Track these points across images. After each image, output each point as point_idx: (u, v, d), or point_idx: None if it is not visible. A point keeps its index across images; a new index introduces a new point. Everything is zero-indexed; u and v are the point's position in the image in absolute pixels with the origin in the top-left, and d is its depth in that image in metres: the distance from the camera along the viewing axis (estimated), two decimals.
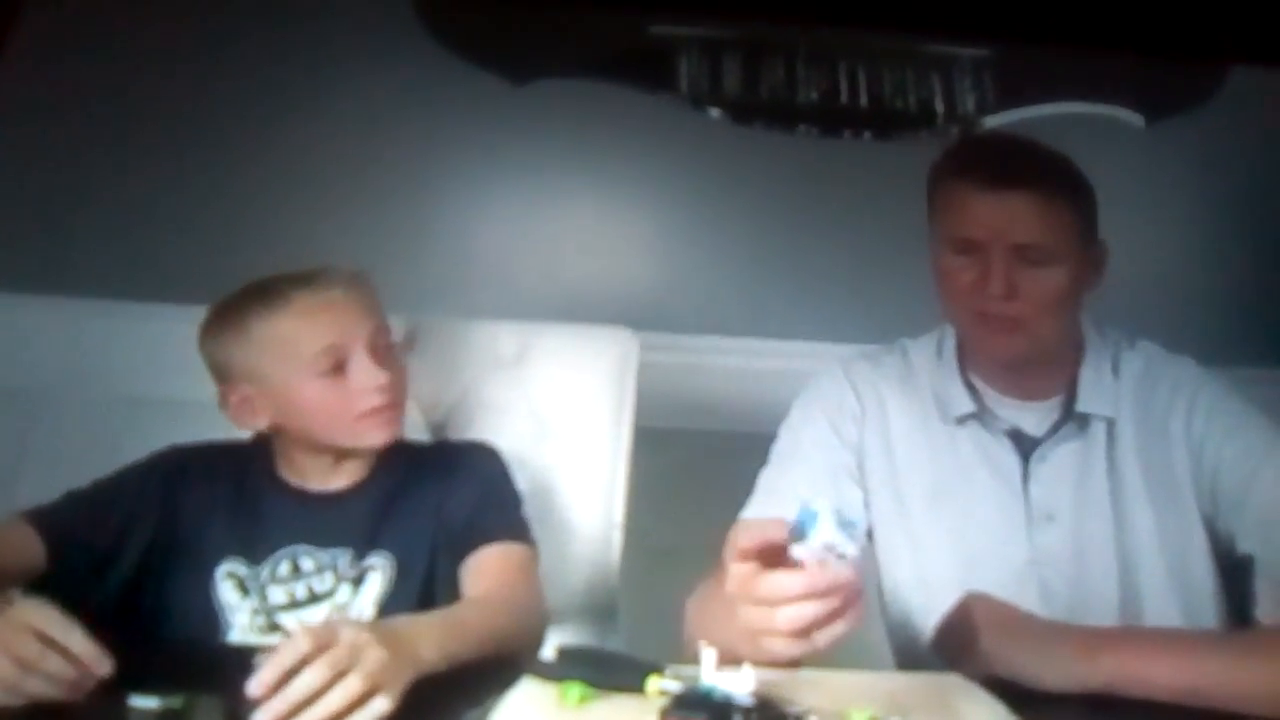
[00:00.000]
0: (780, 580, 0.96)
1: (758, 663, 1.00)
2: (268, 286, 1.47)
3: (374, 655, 1.06)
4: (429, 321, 1.79)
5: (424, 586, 1.47)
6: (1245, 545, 1.38)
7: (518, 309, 1.99)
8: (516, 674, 1.11)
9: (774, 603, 0.96)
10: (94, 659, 1.11)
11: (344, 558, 1.47)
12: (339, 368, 1.45)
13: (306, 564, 1.47)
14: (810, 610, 0.96)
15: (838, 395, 1.53)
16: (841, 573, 0.96)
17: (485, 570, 1.44)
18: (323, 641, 1.05)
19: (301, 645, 1.04)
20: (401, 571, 1.47)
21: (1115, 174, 2.20)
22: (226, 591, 1.46)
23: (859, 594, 0.98)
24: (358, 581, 1.47)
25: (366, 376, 1.45)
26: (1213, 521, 1.41)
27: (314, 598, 1.45)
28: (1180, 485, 1.42)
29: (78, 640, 1.11)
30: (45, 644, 1.10)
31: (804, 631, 0.97)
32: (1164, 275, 2.26)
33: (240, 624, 1.45)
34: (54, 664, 1.09)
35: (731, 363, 2.25)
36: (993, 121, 2.26)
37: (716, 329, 2.26)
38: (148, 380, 2.18)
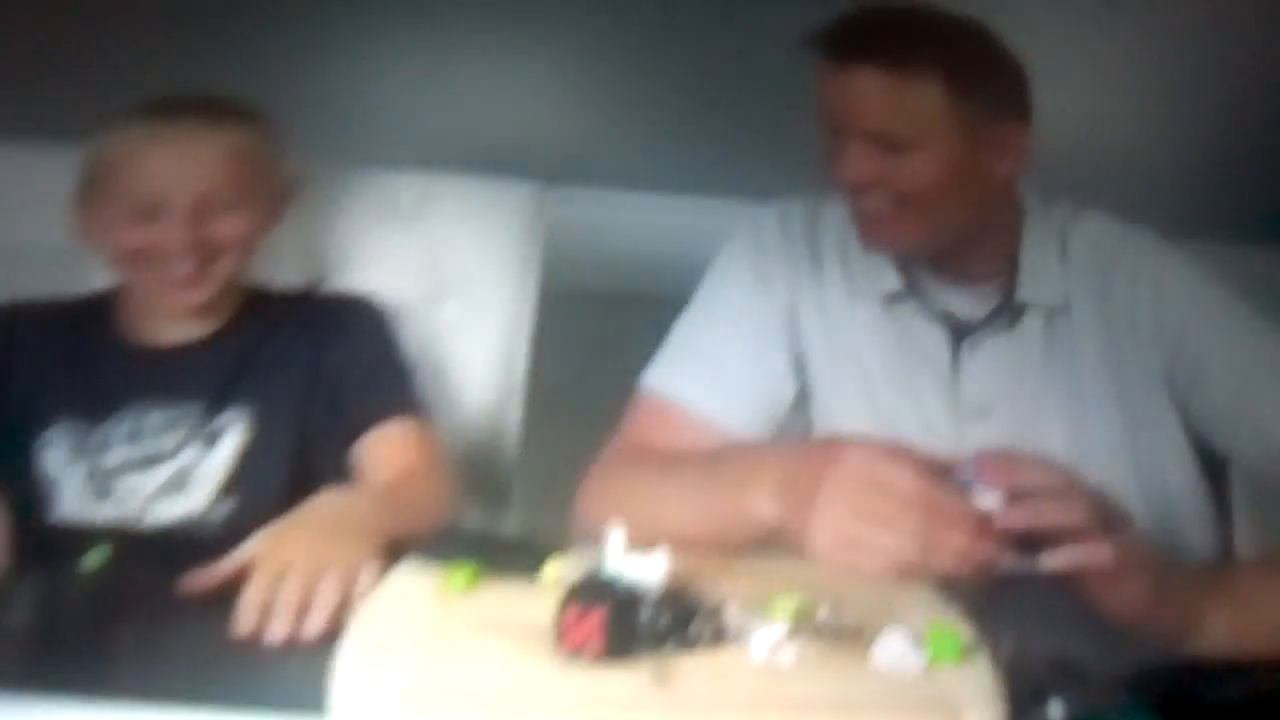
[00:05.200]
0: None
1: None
2: (153, 105, 1.38)
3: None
4: (316, 168, 1.62)
5: (297, 446, 1.37)
6: (1224, 441, 1.28)
7: (419, 160, 1.80)
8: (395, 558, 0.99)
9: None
10: None
11: (194, 412, 1.36)
12: (151, 214, 1.34)
13: (153, 421, 1.36)
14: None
15: (771, 245, 1.36)
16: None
17: (393, 452, 1.35)
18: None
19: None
20: (264, 426, 1.36)
21: (1074, 43, 2.14)
22: (54, 457, 1.35)
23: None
24: (211, 439, 1.36)
25: (167, 234, 1.34)
26: (1188, 415, 1.29)
27: (151, 460, 1.34)
28: (1155, 382, 1.28)
29: None
30: None
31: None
32: (1123, 146, 2.17)
33: (71, 492, 1.33)
34: None
35: (649, 220, 2.14)
36: None
37: (634, 184, 2.15)
38: None
